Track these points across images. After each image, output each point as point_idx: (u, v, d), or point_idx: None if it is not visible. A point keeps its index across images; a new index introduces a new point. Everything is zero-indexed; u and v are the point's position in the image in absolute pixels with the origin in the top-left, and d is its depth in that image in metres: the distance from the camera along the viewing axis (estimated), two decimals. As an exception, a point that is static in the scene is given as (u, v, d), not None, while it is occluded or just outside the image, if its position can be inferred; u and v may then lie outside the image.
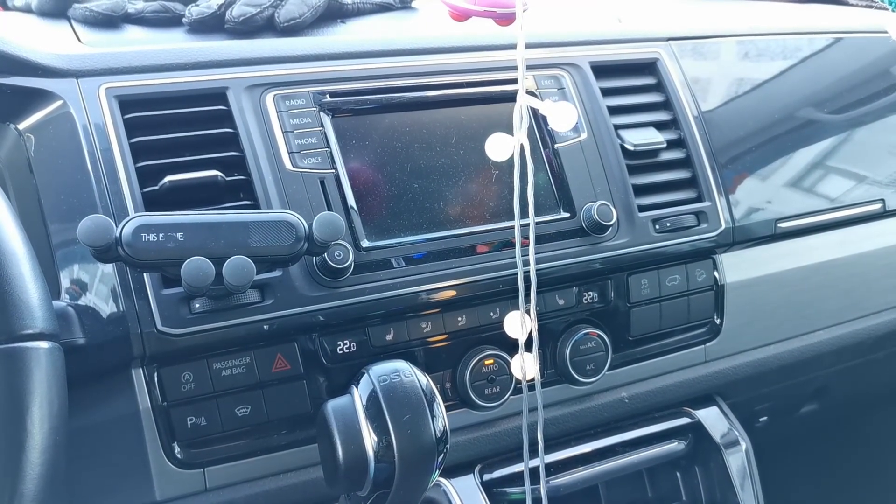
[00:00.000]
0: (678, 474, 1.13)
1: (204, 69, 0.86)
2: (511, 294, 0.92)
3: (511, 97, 0.62)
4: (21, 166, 0.82)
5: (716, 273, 1.07)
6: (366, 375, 0.72)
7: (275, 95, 0.87)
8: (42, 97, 0.81)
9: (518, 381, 0.91)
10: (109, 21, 0.93)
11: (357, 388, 0.72)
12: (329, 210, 0.84)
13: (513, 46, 0.57)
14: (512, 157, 0.58)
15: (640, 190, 1.00)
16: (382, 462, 0.69)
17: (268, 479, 0.85)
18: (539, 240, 0.92)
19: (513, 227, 0.59)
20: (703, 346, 1.09)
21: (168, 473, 0.80)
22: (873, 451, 1.64)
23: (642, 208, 1.00)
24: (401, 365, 0.73)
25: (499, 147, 0.59)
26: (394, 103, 0.91)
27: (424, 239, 0.88)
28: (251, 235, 0.70)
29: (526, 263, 0.58)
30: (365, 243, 0.85)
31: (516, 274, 0.59)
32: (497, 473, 0.98)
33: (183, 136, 0.83)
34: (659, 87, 1.08)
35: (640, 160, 1.02)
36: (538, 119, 0.97)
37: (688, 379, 1.08)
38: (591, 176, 0.97)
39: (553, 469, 1.01)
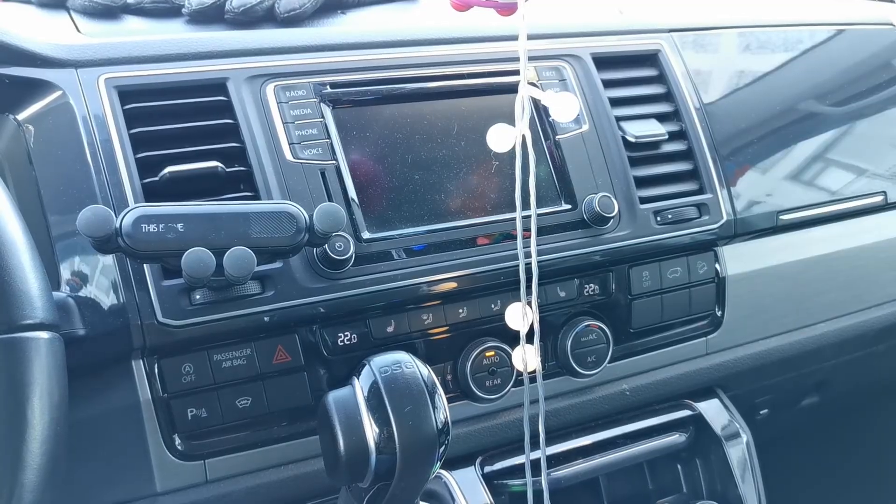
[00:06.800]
0: (679, 466, 1.13)
1: (204, 60, 0.86)
2: (512, 286, 0.92)
3: (512, 88, 0.61)
4: (20, 157, 0.82)
5: (717, 265, 1.07)
6: (367, 367, 0.72)
7: (275, 86, 0.86)
8: (41, 88, 0.81)
9: (519, 373, 0.91)
10: (109, 11, 0.93)
11: (358, 379, 0.72)
12: (330, 201, 0.83)
13: (514, 37, 0.57)
14: (513, 149, 0.58)
15: (642, 182, 1.00)
16: (384, 454, 0.69)
17: (269, 470, 0.85)
18: (540, 231, 0.92)
19: (514, 219, 0.59)
20: (704, 338, 1.08)
21: (169, 465, 0.80)
22: (874, 443, 1.65)
23: (644, 200, 1.00)
24: (402, 356, 0.73)
25: (500, 138, 0.59)
26: (395, 94, 0.91)
27: (425, 230, 0.88)
28: (252, 226, 0.70)
29: (527, 255, 0.57)
30: (366, 235, 0.85)
31: (517, 266, 0.59)
32: (498, 465, 0.98)
33: (183, 127, 0.82)
34: (660, 78, 1.08)
35: (642, 152, 1.01)
36: (539, 110, 0.97)
37: (689, 371, 1.08)
38: (593, 168, 0.97)
39: (554, 461, 1.01)
